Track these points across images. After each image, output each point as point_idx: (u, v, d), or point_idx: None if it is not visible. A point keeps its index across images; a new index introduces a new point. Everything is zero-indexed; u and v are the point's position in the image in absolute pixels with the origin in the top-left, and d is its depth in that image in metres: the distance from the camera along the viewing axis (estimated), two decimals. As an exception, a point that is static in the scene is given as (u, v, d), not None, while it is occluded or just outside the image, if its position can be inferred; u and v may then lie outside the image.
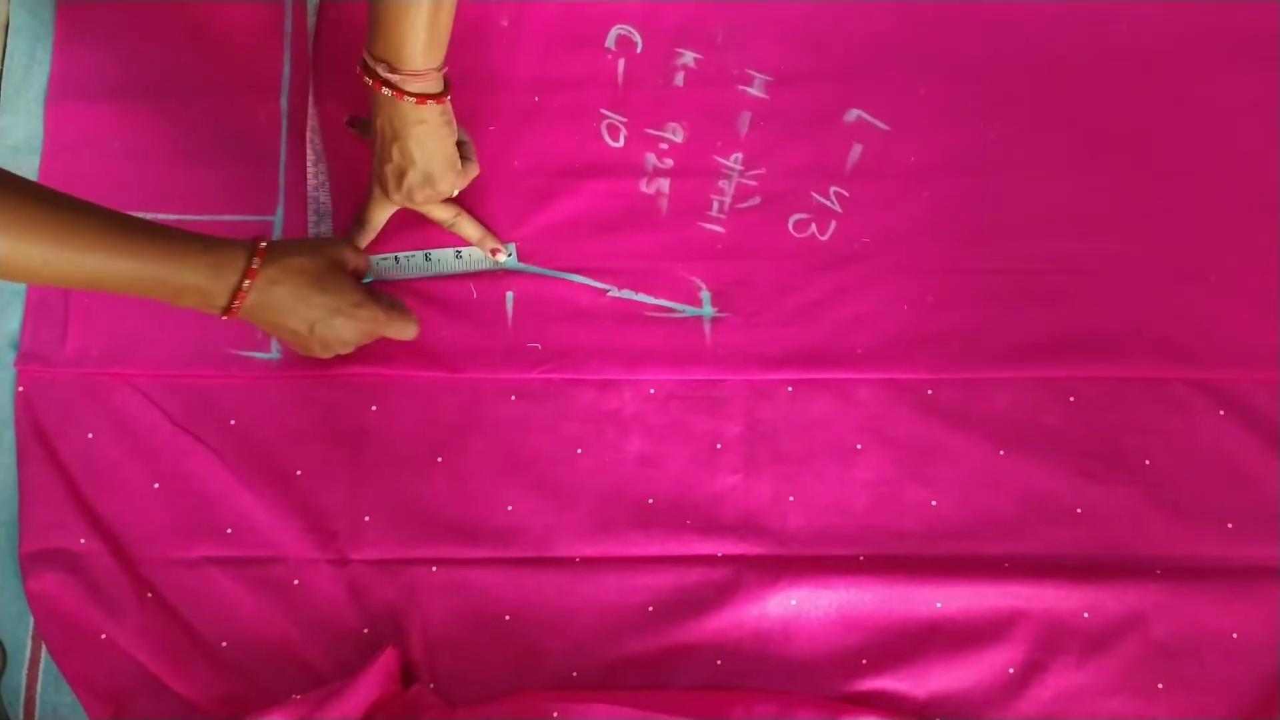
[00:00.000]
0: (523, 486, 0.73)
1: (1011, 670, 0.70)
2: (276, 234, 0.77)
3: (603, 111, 0.79)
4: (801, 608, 0.71)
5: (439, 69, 0.66)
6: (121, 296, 0.75)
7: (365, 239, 0.75)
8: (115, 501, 0.73)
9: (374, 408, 0.74)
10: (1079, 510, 0.73)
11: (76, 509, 0.72)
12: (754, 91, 0.80)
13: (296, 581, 0.72)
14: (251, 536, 0.72)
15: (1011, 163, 0.78)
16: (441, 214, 0.75)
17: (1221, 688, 0.70)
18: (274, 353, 0.75)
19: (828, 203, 0.78)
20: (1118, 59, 0.80)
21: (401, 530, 0.73)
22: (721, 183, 0.78)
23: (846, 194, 0.78)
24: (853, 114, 0.79)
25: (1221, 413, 0.74)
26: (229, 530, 0.72)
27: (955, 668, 0.70)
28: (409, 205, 0.73)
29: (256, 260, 0.65)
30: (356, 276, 0.72)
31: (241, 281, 0.64)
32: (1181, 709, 0.70)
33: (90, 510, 0.73)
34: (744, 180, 0.78)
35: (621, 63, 0.80)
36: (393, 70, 0.64)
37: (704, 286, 0.77)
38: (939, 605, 0.71)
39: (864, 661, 0.71)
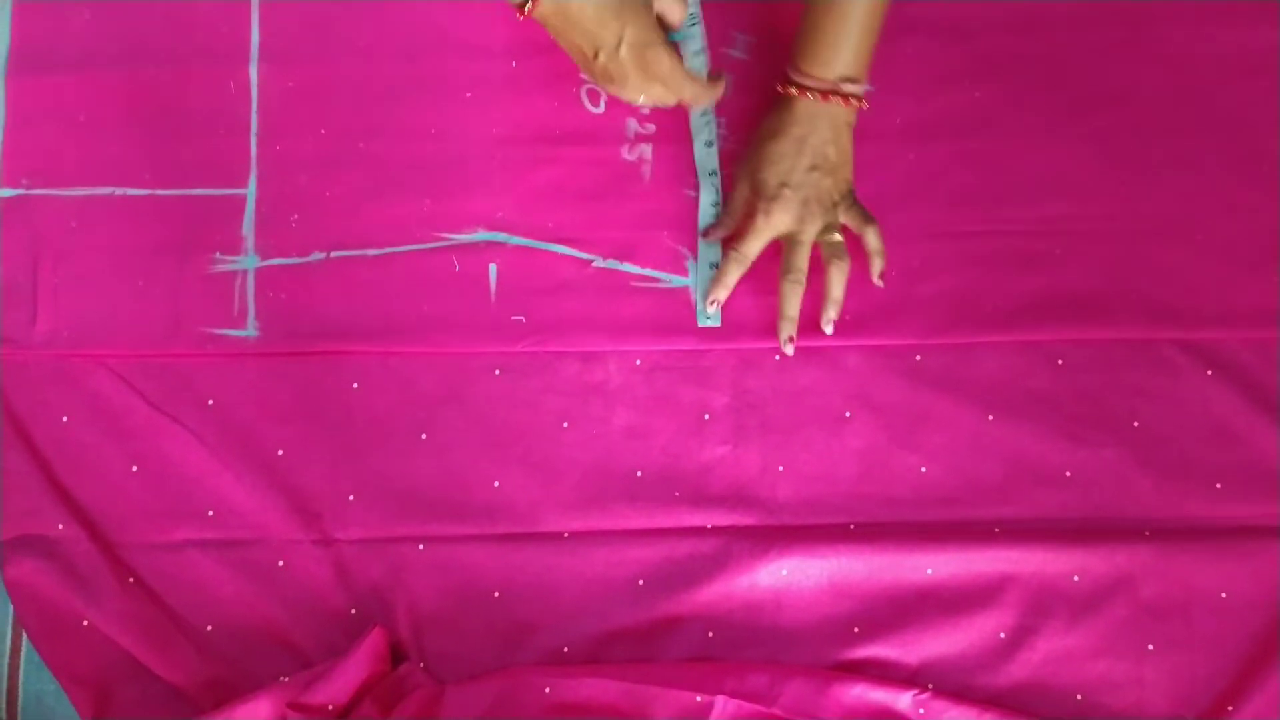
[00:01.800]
0: (508, 462, 0.73)
1: (1002, 635, 0.70)
2: (249, 208, 0.75)
3: (582, 76, 0.77)
4: (792, 577, 0.71)
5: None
6: (91, 273, 0.74)
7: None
8: (93, 486, 0.71)
9: (355, 385, 0.73)
10: (1068, 473, 0.73)
11: (53, 494, 0.71)
12: (736, 53, 0.78)
13: (281, 563, 0.71)
14: (233, 518, 0.71)
15: (998, 125, 0.77)
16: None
17: (1211, 648, 0.70)
18: (250, 330, 0.73)
19: (813, 167, 0.76)
20: (1104, 18, 0.78)
21: (386, 509, 0.72)
22: (705, 148, 0.77)
23: (832, 158, 0.77)
24: (837, 75, 0.77)
25: (1209, 373, 0.74)
26: (210, 512, 0.71)
27: (946, 634, 0.70)
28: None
29: None
30: (663, 25, 0.70)
31: None
32: (1171, 669, 0.70)
33: (67, 495, 0.71)
34: (728, 145, 0.77)
35: (600, 26, 0.78)
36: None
37: (689, 255, 0.75)
38: (929, 572, 0.71)
39: (855, 630, 0.70)
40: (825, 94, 0.70)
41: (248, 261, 0.74)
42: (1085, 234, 0.76)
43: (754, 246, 0.72)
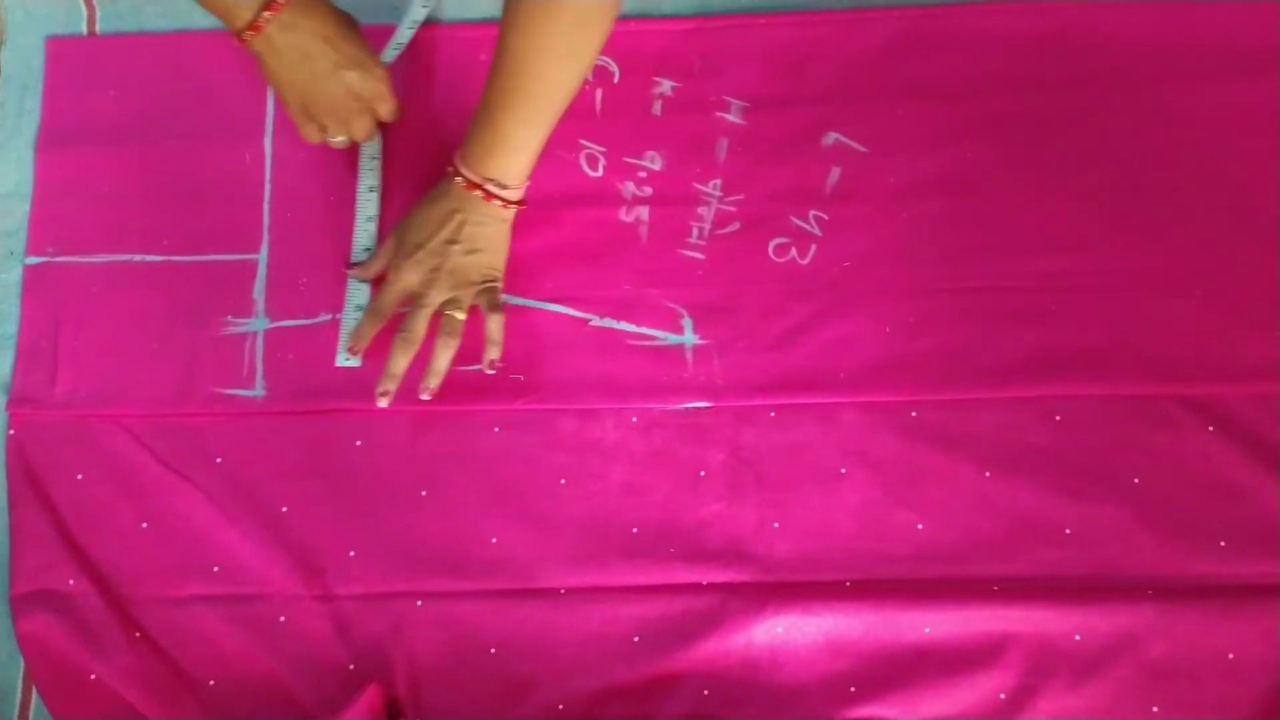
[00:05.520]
0: (507, 518, 0.74)
1: (1003, 695, 0.69)
2: (261, 273, 0.78)
3: (581, 141, 0.80)
4: (789, 635, 0.71)
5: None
6: (109, 336, 0.76)
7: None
8: (104, 542, 0.73)
9: (358, 442, 0.75)
10: (1068, 530, 0.72)
11: (66, 550, 0.73)
12: (731, 117, 0.80)
13: (283, 618, 0.72)
14: (238, 574, 0.73)
15: (991, 181, 0.78)
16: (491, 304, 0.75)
17: (1218, 709, 0.69)
18: (258, 390, 0.76)
19: (807, 226, 0.78)
20: (1096, 74, 0.79)
21: (387, 564, 0.73)
22: (701, 209, 0.78)
23: (826, 217, 0.78)
24: (831, 137, 0.79)
25: (1211, 429, 0.73)
26: (216, 568, 0.73)
27: (945, 694, 0.69)
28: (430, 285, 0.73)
29: None
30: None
31: (261, 11, 0.67)
32: (1177, 732, 0.69)
33: (80, 551, 0.73)
34: (723, 206, 0.78)
35: (599, 93, 0.80)
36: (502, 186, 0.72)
37: (685, 314, 0.77)
38: (928, 630, 0.70)
39: (852, 689, 0.70)
40: (472, 186, 0.71)
41: (258, 324, 0.77)
42: (1082, 289, 0.76)
43: (385, 300, 0.74)
